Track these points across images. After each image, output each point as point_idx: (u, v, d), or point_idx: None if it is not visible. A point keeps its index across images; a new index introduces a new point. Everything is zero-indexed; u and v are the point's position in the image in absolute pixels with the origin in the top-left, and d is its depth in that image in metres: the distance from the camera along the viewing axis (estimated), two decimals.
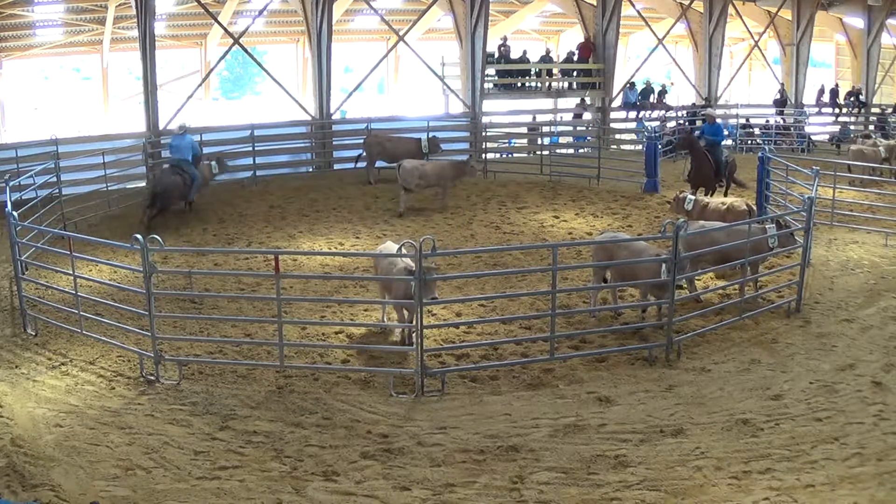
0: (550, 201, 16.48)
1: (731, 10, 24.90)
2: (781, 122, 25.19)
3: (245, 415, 7.41)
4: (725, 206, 12.18)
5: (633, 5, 24.52)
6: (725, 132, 18.48)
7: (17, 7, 21.32)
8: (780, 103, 25.84)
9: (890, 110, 26.07)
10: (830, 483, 6.06)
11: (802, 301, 9.96)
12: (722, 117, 23.94)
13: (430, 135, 18.47)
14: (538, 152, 20.93)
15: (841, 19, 27.46)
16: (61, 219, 13.69)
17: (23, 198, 12.47)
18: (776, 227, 10.13)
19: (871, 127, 25.19)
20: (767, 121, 25.39)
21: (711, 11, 24.46)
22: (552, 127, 22.99)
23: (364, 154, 18.26)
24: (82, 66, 27.57)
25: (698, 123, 23.74)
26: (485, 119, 21.69)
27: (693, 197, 12.56)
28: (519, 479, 6.29)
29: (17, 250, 9.56)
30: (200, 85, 22.24)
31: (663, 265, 8.68)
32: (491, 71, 22.40)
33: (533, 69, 23.50)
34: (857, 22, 26.91)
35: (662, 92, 25.44)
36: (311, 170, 19.86)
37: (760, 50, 27.74)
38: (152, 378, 8.15)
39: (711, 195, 15.18)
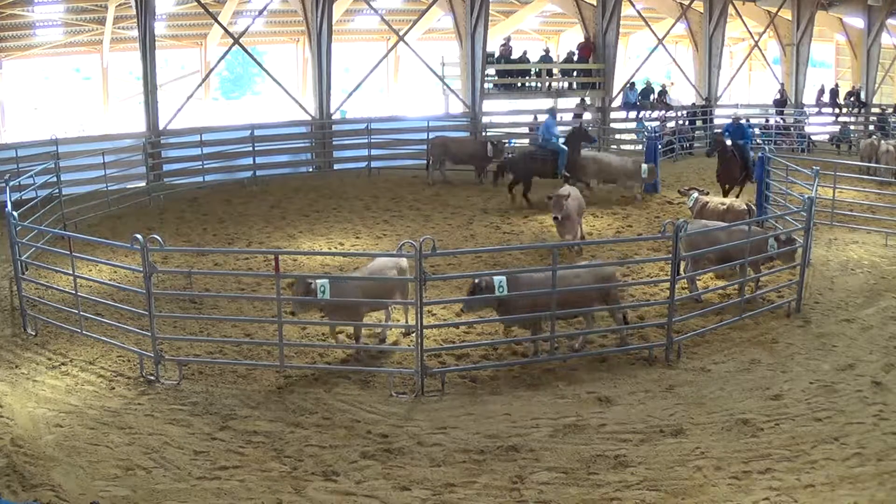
0: None
1: (731, 10, 24.88)
2: (781, 122, 25.18)
3: (245, 415, 7.41)
4: (725, 207, 12.19)
5: (633, 5, 24.50)
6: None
7: (17, 7, 21.30)
8: (780, 103, 25.83)
9: (890, 110, 26.06)
10: (830, 483, 6.05)
11: (802, 301, 9.95)
12: (721, 117, 23.95)
13: (494, 138, 18.81)
14: None
15: (841, 19, 27.44)
16: (61, 219, 13.69)
17: (23, 198, 12.48)
18: (776, 243, 10.07)
19: (871, 127, 25.18)
20: (767, 120, 25.38)
21: (711, 11, 24.44)
22: None
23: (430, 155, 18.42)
24: (82, 66, 27.54)
25: (698, 123, 23.86)
26: (485, 119, 21.69)
27: (696, 195, 12.57)
28: (519, 479, 6.29)
29: (17, 250, 9.57)
30: (200, 85, 22.21)
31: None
32: (491, 71, 22.37)
33: (533, 69, 23.48)
34: (857, 22, 26.89)
35: (662, 92, 25.42)
36: (311, 170, 19.87)
37: (760, 50, 27.72)
38: (152, 378, 8.15)
39: (727, 193, 15.25)
